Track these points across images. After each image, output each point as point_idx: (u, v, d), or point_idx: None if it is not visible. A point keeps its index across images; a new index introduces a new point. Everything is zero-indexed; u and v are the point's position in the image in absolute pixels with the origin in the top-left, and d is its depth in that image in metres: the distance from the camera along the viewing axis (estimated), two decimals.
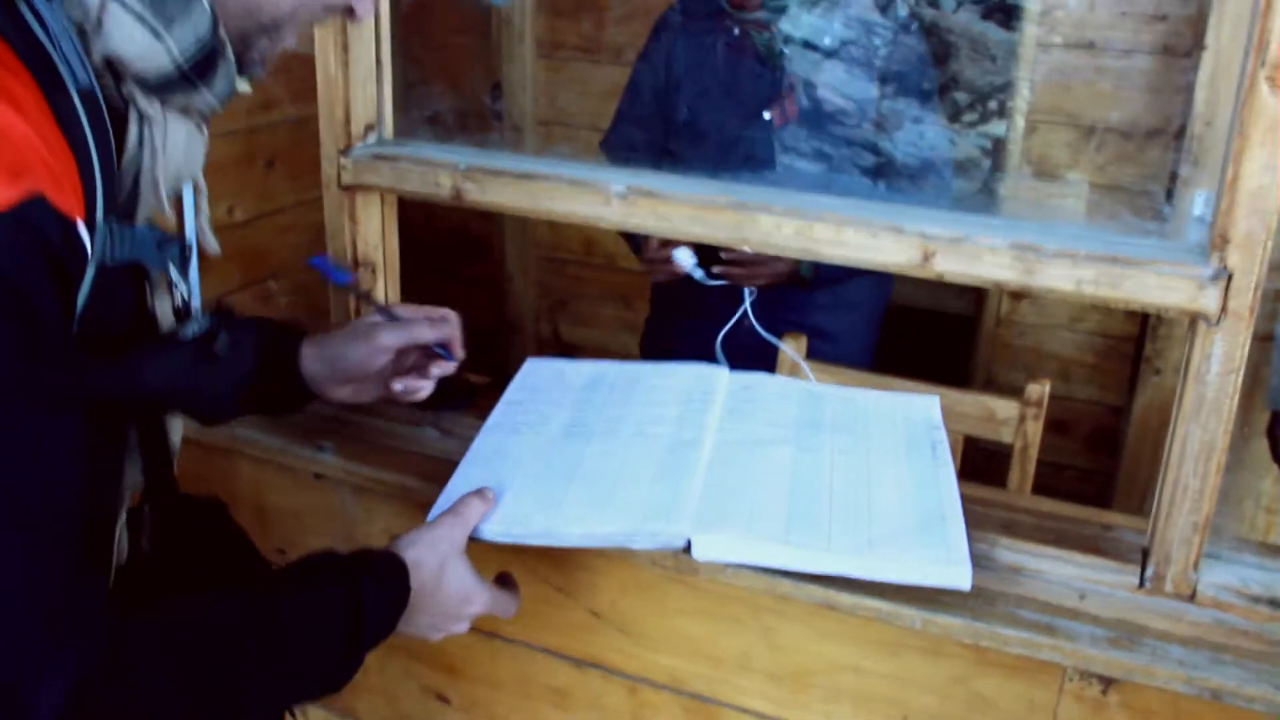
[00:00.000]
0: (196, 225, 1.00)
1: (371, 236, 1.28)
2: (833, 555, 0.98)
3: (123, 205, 0.81)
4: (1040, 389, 1.94)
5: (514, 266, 3.24)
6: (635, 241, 2.05)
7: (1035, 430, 1.96)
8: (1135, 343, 2.87)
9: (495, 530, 1.01)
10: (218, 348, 0.92)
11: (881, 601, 1.03)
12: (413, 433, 1.28)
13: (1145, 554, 1.05)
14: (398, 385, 1.12)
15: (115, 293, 0.82)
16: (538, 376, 1.30)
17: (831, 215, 1.05)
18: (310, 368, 1.10)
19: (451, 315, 1.13)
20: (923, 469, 1.12)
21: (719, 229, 1.10)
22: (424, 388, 1.12)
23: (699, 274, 1.91)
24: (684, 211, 1.11)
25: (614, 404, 1.23)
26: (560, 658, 1.27)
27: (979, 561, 1.02)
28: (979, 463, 2.00)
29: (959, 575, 0.97)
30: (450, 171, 1.21)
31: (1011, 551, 1.06)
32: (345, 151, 1.26)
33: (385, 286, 1.29)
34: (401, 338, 1.09)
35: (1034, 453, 1.98)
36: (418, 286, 1.39)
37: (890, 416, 1.24)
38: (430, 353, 1.11)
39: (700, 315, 2.06)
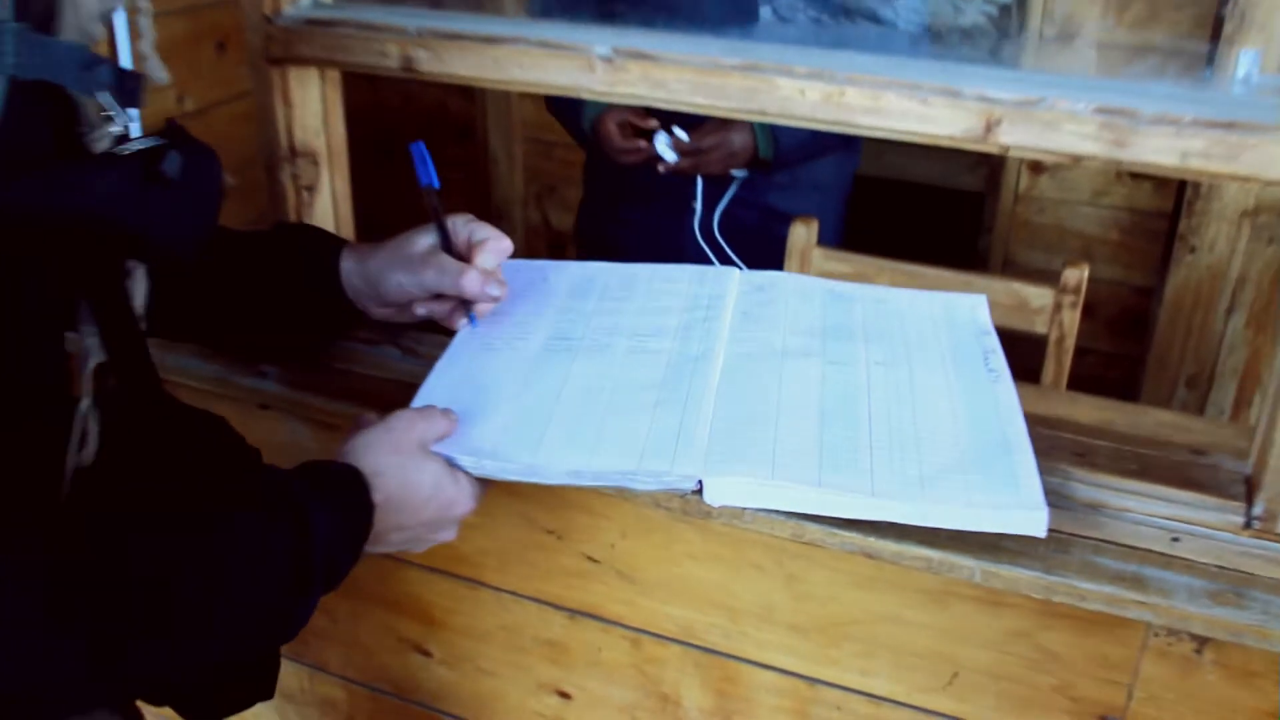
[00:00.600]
0: (133, 49, 0.81)
1: (310, 121, 1.07)
2: (877, 499, 0.80)
3: (36, 10, 0.66)
4: (1078, 274, 1.75)
5: (498, 149, 3.01)
6: (573, 115, 1.83)
7: (1072, 320, 1.78)
8: (1168, 219, 2.67)
9: (468, 460, 0.83)
10: (166, 167, 0.72)
11: (931, 550, 0.85)
12: (370, 353, 1.09)
13: (1250, 486, 0.87)
14: (421, 310, 1.00)
15: (35, 118, 0.68)
16: (515, 281, 1.10)
17: (868, 78, 0.84)
18: (351, 282, 0.99)
19: (506, 248, 0.98)
20: (976, 384, 0.94)
21: (727, 97, 0.90)
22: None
23: (672, 156, 1.70)
24: (684, 77, 0.90)
25: (605, 313, 1.04)
26: (553, 607, 1.11)
27: (1050, 499, 0.84)
28: (1007, 355, 1.83)
29: (1033, 521, 0.80)
30: (398, 38, 0.99)
31: (1088, 485, 0.88)
32: (273, 17, 1.04)
33: (330, 183, 1.09)
34: (445, 283, 0.96)
35: (1070, 344, 1.79)
36: (391, 172, 1.18)
37: (930, 319, 1.05)
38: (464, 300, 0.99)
39: (648, 200, 1.85)
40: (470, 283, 0.95)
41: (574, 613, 1.10)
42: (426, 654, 1.22)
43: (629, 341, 0.99)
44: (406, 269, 0.95)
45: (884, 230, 2.08)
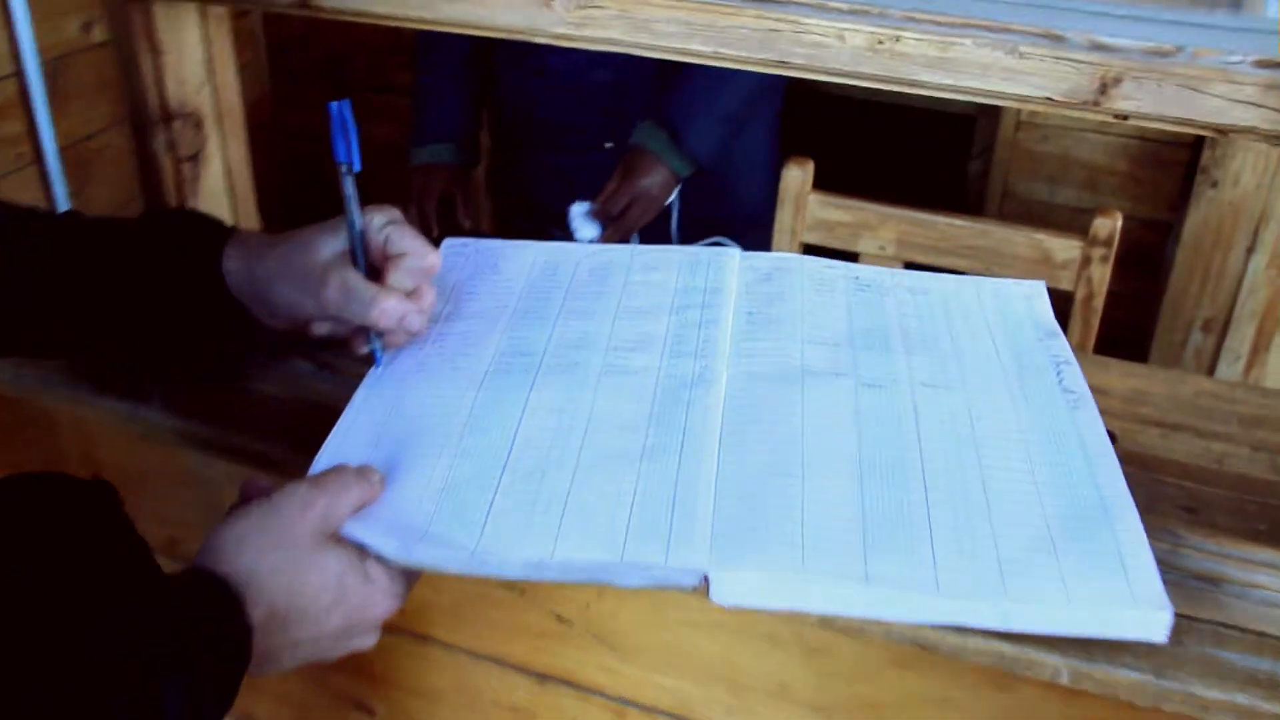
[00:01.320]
0: None
1: (189, 73, 0.83)
2: (945, 599, 0.60)
3: None
4: (1110, 224, 1.55)
5: None
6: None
7: (1102, 276, 1.58)
8: (1184, 148, 2.45)
9: (389, 544, 0.62)
10: None
11: (1004, 644, 0.65)
12: (275, 368, 0.87)
13: None
14: (320, 330, 0.78)
15: None
16: (457, 269, 0.88)
17: (933, 17, 0.61)
18: (237, 284, 0.76)
19: (430, 266, 0.77)
20: (1053, 415, 0.73)
21: (734, 43, 0.67)
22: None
23: (592, 233, 1.46)
24: (675, 15, 0.67)
25: (573, 315, 0.82)
26: (516, 670, 0.90)
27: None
28: None
29: (1152, 623, 0.59)
30: None
31: (1204, 553, 0.68)
32: None
33: (221, 152, 0.85)
34: (350, 310, 0.74)
35: (1100, 303, 1.59)
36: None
37: (981, 315, 0.84)
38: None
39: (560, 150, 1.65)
40: (383, 314, 0.73)
41: (543, 677, 0.90)
42: (369, 711, 1.02)
43: (604, 357, 0.77)
44: (301, 283, 0.73)
45: (868, 157, 1.86)
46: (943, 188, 2.93)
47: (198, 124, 0.84)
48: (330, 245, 0.74)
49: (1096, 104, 0.57)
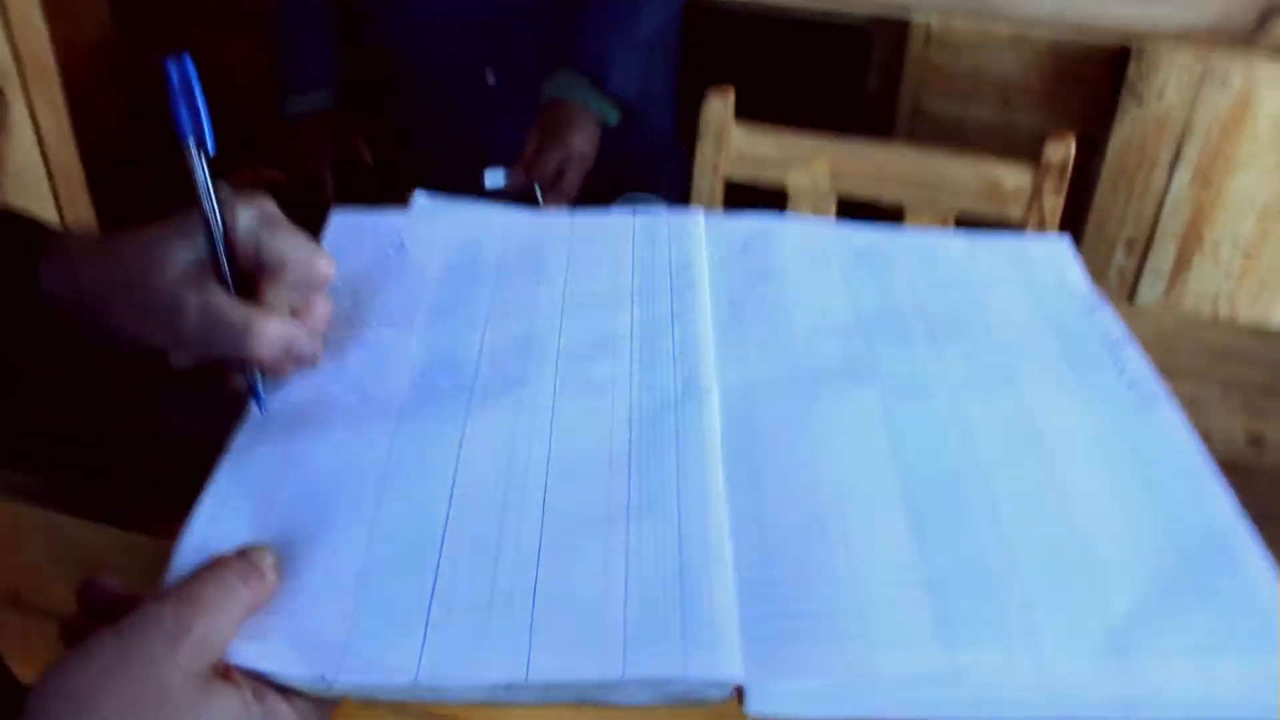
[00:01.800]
0: None
1: None
2: (1056, 698, 0.45)
3: None
4: (1064, 148, 1.42)
5: None
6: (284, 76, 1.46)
7: (1055, 205, 1.46)
8: (1106, 64, 2.35)
9: (299, 668, 0.44)
10: None
11: None
12: (138, 394, 0.67)
13: None
14: (180, 362, 0.59)
15: None
16: (351, 255, 0.69)
17: None
18: (60, 303, 0.56)
19: (321, 274, 0.58)
20: (1123, 418, 0.59)
21: None
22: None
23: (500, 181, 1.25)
24: None
25: (509, 311, 0.64)
26: None
27: None
28: None
29: None
30: None
31: None
32: None
33: (31, 119, 0.64)
34: (217, 342, 0.55)
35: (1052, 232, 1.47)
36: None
37: (1004, 285, 0.69)
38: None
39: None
40: (263, 344, 0.54)
41: None
42: None
43: (556, 368, 0.59)
44: (150, 312, 0.54)
45: (756, 77, 1.69)
46: (839, 106, 2.79)
47: None
48: (183, 255, 0.54)
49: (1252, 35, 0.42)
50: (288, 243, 0.56)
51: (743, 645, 0.45)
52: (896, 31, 2.60)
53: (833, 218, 1.42)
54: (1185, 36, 0.44)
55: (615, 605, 0.46)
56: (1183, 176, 2.17)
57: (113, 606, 0.47)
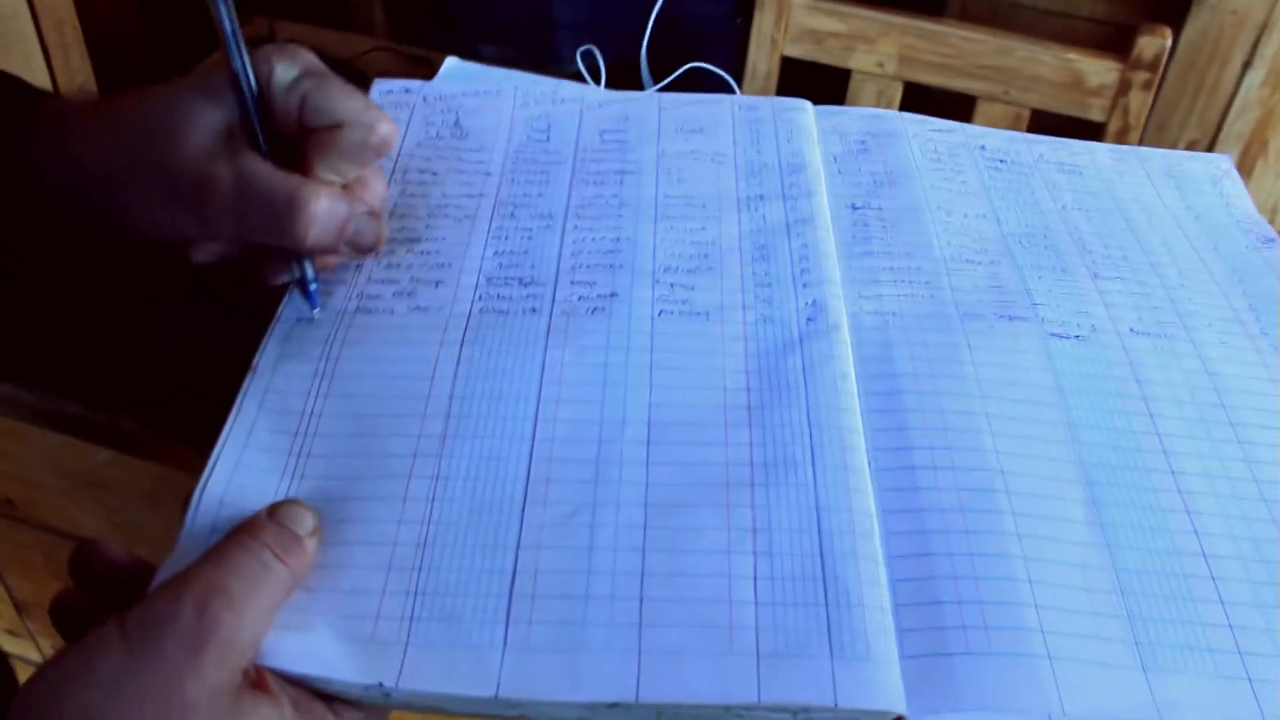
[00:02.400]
0: None
1: None
2: None
3: None
4: (1158, 43, 1.29)
5: None
6: None
7: (1142, 105, 1.34)
8: None
9: (348, 669, 0.36)
10: None
11: None
12: (133, 293, 0.57)
13: None
14: (202, 256, 0.49)
15: None
16: (403, 132, 0.59)
17: None
18: (54, 182, 0.46)
19: (381, 140, 0.46)
20: None
21: None
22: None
23: None
24: None
25: (591, 212, 0.54)
26: None
27: None
28: None
29: None
30: None
31: None
32: None
33: None
34: (256, 225, 0.45)
35: (1137, 138, 1.35)
36: None
37: (1163, 210, 0.59)
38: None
39: None
40: (315, 224, 0.44)
41: None
42: None
43: (653, 286, 0.49)
44: (170, 191, 0.44)
45: None
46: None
47: None
48: (209, 118, 0.44)
49: None
50: (339, 100, 0.45)
51: (901, 662, 0.36)
52: None
53: (898, 107, 1.30)
54: None
55: (744, 605, 0.37)
56: (1254, 77, 2.04)
57: (113, 581, 0.38)
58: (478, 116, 0.59)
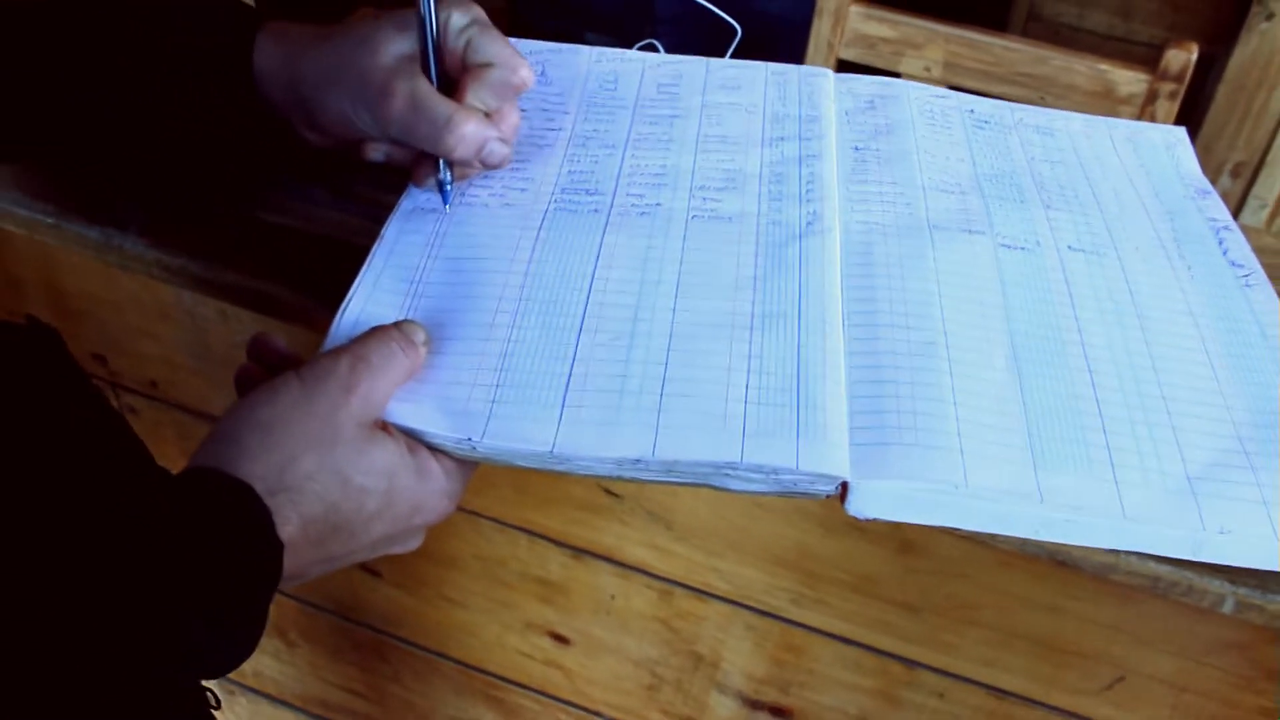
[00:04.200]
0: None
1: None
2: (1131, 524, 0.49)
3: None
4: (1184, 56, 1.40)
5: None
6: None
7: (1168, 113, 1.44)
8: None
9: (448, 431, 0.50)
10: None
11: (1161, 565, 0.56)
12: (279, 192, 0.72)
13: None
14: (375, 154, 0.64)
15: None
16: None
17: None
18: (271, 84, 0.61)
19: (523, 80, 0.62)
20: (1223, 294, 0.62)
21: None
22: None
23: None
24: None
25: (645, 144, 0.68)
26: (549, 542, 0.80)
27: None
28: None
29: None
30: None
31: None
32: None
33: None
34: (421, 131, 0.58)
35: None
36: None
37: (1118, 162, 0.72)
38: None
39: None
40: (461, 140, 0.58)
41: (579, 551, 0.80)
42: (374, 573, 0.92)
43: (689, 199, 0.63)
44: (359, 92, 0.58)
45: None
46: (950, 2, 2.72)
47: None
48: (397, 46, 0.58)
49: None
50: (496, 45, 0.60)
51: (850, 448, 0.49)
52: None
53: None
54: None
55: (736, 401, 0.50)
56: None
57: (279, 361, 0.52)
58: (560, 69, 0.74)
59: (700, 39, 1.31)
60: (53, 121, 0.63)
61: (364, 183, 0.72)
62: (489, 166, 0.62)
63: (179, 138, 0.63)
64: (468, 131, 0.58)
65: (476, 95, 0.59)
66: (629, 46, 1.44)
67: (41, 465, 0.45)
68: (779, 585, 0.75)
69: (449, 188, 0.62)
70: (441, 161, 0.61)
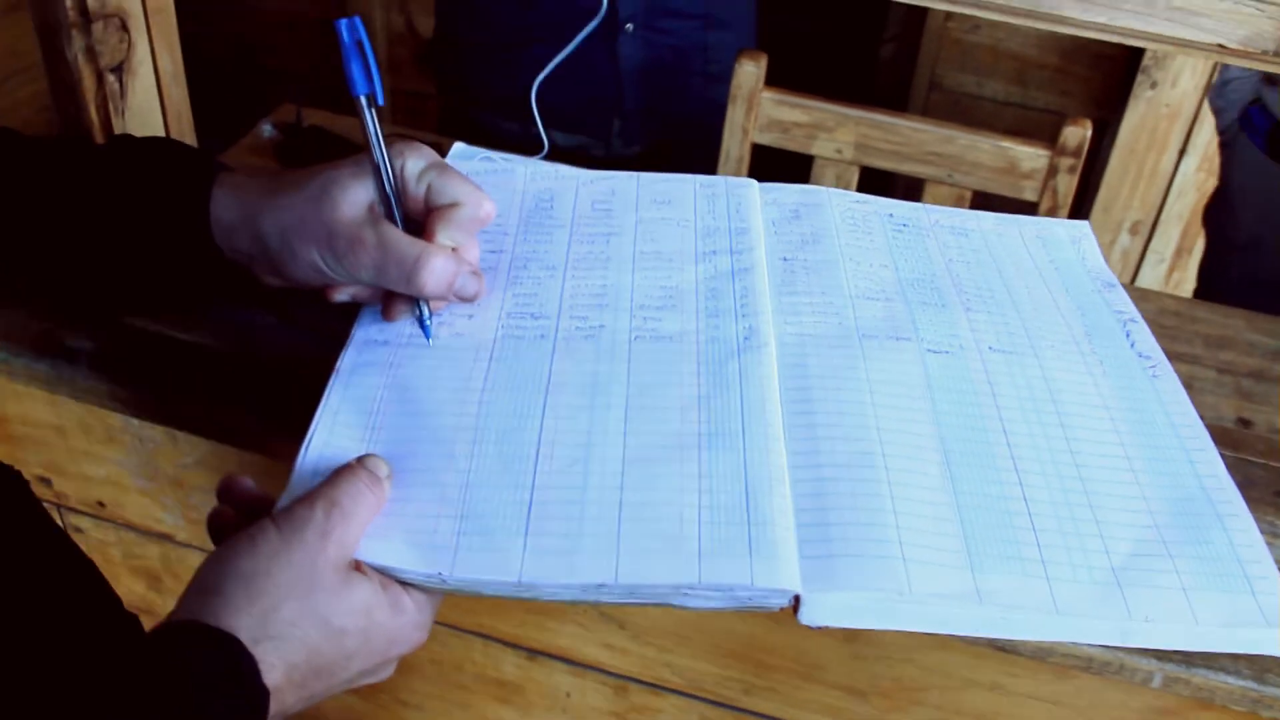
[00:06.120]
0: None
1: None
2: (1062, 618, 0.53)
3: None
4: (1080, 133, 1.48)
5: None
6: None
7: (1069, 186, 1.53)
8: (1121, 45, 2.40)
9: (418, 567, 0.52)
10: None
11: (1095, 648, 0.59)
12: (233, 323, 0.74)
13: None
14: (342, 296, 0.66)
15: None
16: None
17: None
18: (227, 234, 0.63)
19: (486, 215, 0.64)
20: (1134, 387, 0.66)
21: None
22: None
23: None
24: None
25: (585, 264, 0.71)
26: (505, 645, 0.82)
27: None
28: None
29: (1272, 640, 0.54)
30: None
31: None
32: None
33: (152, 59, 0.70)
34: (392, 274, 0.61)
35: (1066, 215, 1.54)
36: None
37: (1030, 261, 0.76)
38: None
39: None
40: (432, 278, 0.60)
41: (534, 653, 0.81)
42: None
43: (631, 319, 0.66)
44: (326, 242, 0.60)
45: (773, 40, 1.74)
46: (852, 74, 2.82)
47: (123, 24, 0.68)
48: (357, 194, 0.60)
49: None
50: (457, 184, 0.62)
51: (799, 561, 0.52)
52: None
53: (854, 189, 1.48)
54: (1191, 46, 0.48)
55: (690, 522, 0.53)
56: (1190, 163, 2.23)
57: (249, 503, 0.54)
58: (497, 190, 0.77)
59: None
60: (2, 266, 0.64)
61: (310, 309, 0.74)
62: (464, 300, 0.64)
63: (133, 282, 0.64)
64: (437, 266, 0.60)
65: (446, 234, 0.62)
66: (601, 141, 1.50)
67: (23, 617, 0.46)
68: (731, 676, 0.77)
69: (429, 322, 0.64)
70: (418, 301, 0.63)
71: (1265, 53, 0.50)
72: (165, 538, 0.87)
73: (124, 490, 0.87)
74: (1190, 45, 0.52)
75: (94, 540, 0.92)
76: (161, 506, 0.87)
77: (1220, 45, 0.51)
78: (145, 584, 0.92)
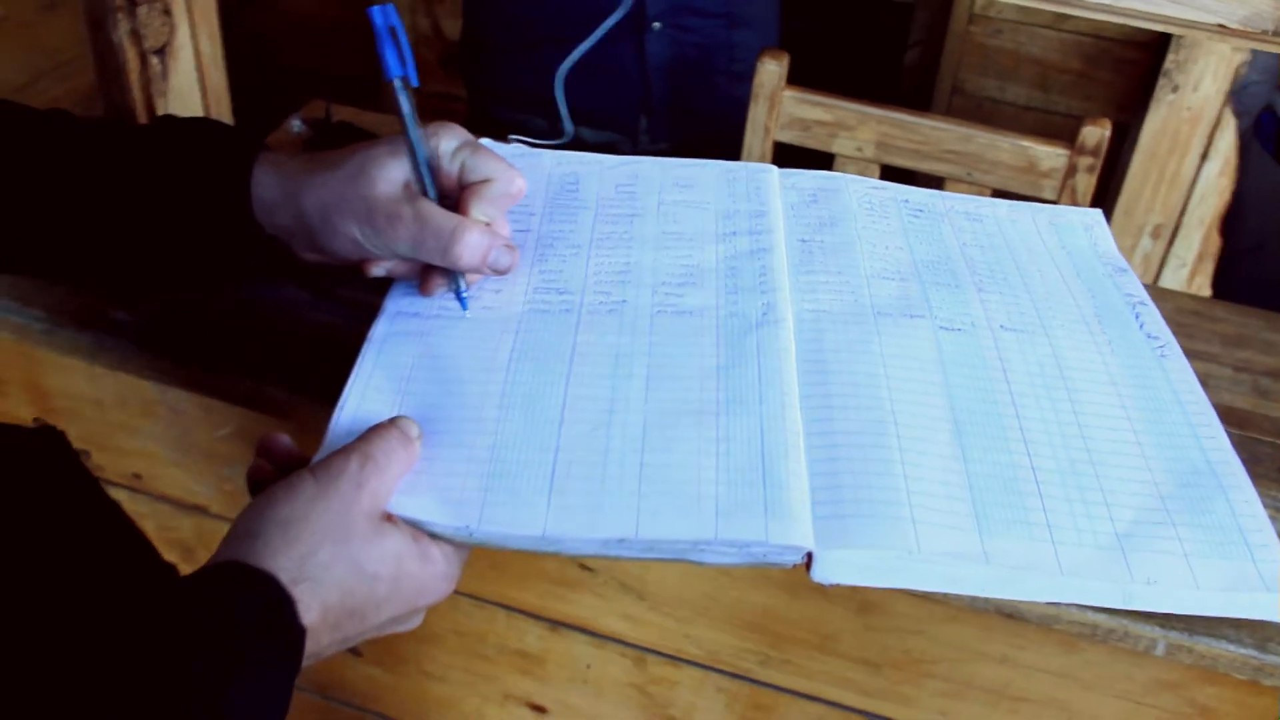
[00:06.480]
0: None
1: None
2: (1067, 578, 0.54)
3: None
4: (1099, 133, 1.50)
5: None
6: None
7: (1087, 186, 1.54)
8: (1140, 49, 2.41)
9: (447, 521, 0.54)
10: None
11: (1098, 615, 0.61)
12: (262, 296, 0.77)
13: None
14: (378, 270, 0.68)
15: None
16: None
17: None
18: (271, 211, 0.65)
19: (518, 191, 0.67)
20: (1141, 365, 0.68)
21: None
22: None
23: None
24: None
25: (608, 243, 0.73)
26: (526, 616, 0.84)
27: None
28: None
29: (1268, 604, 0.55)
30: None
31: None
32: None
33: (192, 42, 0.73)
34: (428, 247, 0.63)
35: None
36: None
37: (1044, 246, 0.78)
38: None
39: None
40: (468, 250, 0.63)
41: (556, 624, 0.84)
42: (354, 653, 0.95)
43: (653, 295, 0.69)
44: (366, 218, 0.62)
45: (798, 44, 1.76)
46: (876, 78, 2.84)
47: (165, 9, 0.71)
48: (394, 172, 0.63)
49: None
50: (491, 162, 0.65)
51: (813, 521, 0.54)
52: (940, 5, 2.67)
53: None
54: (1193, 26, 0.49)
55: (708, 482, 0.55)
56: (1212, 167, 2.24)
57: (286, 460, 0.56)
58: (524, 174, 0.79)
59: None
60: (50, 245, 0.67)
61: (344, 285, 0.77)
62: (497, 273, 0.66)
63: (177, 258, 0.67)
64: (472, 239, 0.62)
65: (479, 209, 0.64)
66: (628, 138, 1.54)
67: (66, 564, 0.49)
68: (747, 648, 0.79)
69: (465, 295, 0.66)
70: (455, 275, 0.66)
71: (1265, 32, 0.52)
72: (199, 510, 0.90)
73: (159, 463, 0.89)
74: (1193, 26, 0.53)
75: (130, 513, 0.95)
76: (196, 479, 0.89)
77: (1221, 25, 0.53)
78: (179, 556, 0.95)
